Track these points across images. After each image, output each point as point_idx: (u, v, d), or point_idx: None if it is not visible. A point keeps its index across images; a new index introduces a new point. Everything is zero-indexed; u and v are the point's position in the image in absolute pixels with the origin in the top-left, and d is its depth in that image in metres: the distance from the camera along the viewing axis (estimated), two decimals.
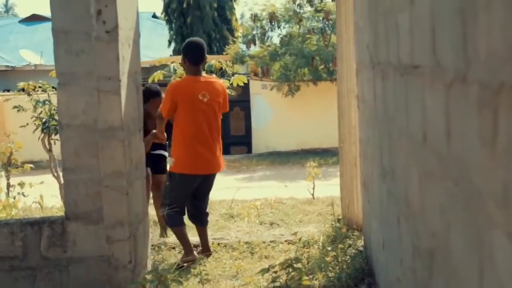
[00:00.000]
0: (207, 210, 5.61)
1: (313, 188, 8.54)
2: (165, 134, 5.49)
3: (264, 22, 17.83)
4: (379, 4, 3.16)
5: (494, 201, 1.25)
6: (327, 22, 16.92)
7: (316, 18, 17.22)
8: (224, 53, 18.36)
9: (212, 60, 7.88)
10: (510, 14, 1.11)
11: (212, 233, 5.97)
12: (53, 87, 7.76)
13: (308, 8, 17.55)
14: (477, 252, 1.41)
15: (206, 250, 5.44)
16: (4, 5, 57.41)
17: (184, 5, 22.92)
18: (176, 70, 7.23)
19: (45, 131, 8.08)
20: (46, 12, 6.00)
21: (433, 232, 1.93)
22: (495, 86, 1.21)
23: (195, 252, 5.30)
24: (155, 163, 6.12)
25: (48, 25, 3.96)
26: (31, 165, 8.82)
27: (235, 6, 24.19)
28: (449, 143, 1.65)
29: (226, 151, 13.01)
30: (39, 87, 8.14)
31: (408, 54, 2.30)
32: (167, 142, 5.86)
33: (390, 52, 2.80)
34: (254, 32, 18.01)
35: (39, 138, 8.24)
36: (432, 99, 1.84)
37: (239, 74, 7.48)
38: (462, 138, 1.51)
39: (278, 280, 3.73)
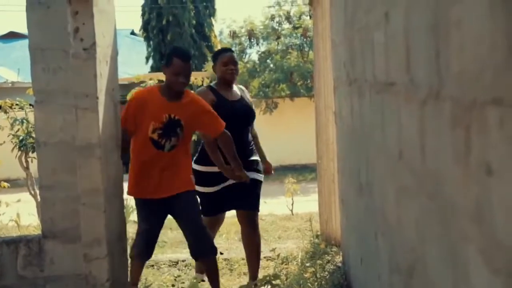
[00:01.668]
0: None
1: (292, 204, 8.55)
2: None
3: (243, 39, 17.92)
4: (355, 21, 3.20)
5: (468, 216, 1.26)
6: (305, 39, 17.06)
7: (295, 35, 17.34)
8: (203, 69, 18.40)
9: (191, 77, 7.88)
10: (481, 31, 1.13)
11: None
12: (30, 105, 7.71)
13: (286, 25, 17.68)
14: (452, 267, 1.42)
15: None
16: None
17: (164, 22, 22.92)
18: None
19: (22, 149, 8.01)
20: (23, 29, 5.98)
21: (410, 248, 1.94)
22: (467, 103, 1.23)
23: None
24: None
25: (25, 43, 3.95)
26: (7, 184, 8.71)
27: (213, 23, 24.25)
28: (424, 160, 1.67)
29: None
30: (16, 104, 8.08)
31: (383, 71, 2.32)
32: None
33: (366, 69, 2.83)
34: (233, 49, 18.07)
35: (16, 156, 8.17)
36: (407, 116, 1.86)
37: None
38: (436, 155, 1.53)
39: None
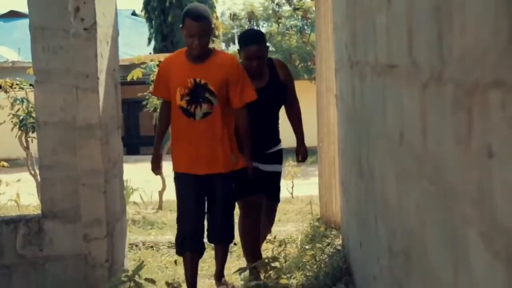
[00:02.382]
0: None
1: (292, 187, 8.56)
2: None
3: (243, 21, 17.85)
4: (357, 3, 3.18)
5: (468, 200, 1.26)
6: (305, 21, 16.98)
7: (295, 16, 17.26)
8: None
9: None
10: (484, 14, 1.12)
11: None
12: (30, 85, 7.70)
13: (286, 7, 17.60)
14: (452, 251, 1.42)
15: (217, 277, 4.37)
16: None
17: (166, 4, 22.83)
18: (153, 69, 7.20)
19: (22, 128, 8.01)
20: (24, 8, 5.96)
21: (410, 231, 1.94)
22: (469, 86, 1.22)
23: None
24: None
25: (26, 22, 3.93)
26: (7, 164, 8.72)
27: (215, 4, 24.15)
28: (425, 143, 1.66)
29: None
30: (17, 84, 8.07)
31: (385, 53, 2.31)
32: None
33: (367, 52, 2.81)
34: (234, 31, 18.03)
35: (16, 136, 8.17)
36: (409, 99, 1.85)
37: None
38: (437, 138, 1.52)
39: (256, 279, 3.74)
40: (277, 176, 4.45)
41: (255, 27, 17.89)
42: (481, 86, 1.15)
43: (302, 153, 4.50)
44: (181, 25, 3.74)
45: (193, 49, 3.69)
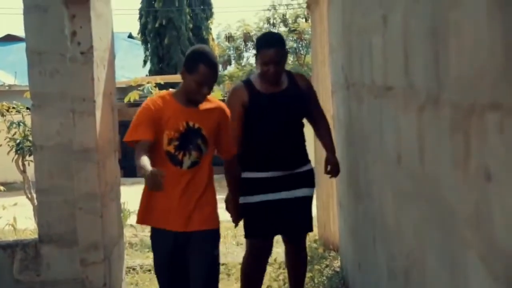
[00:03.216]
0: None
1: None
2: None
3: (239, 42, 17.95)
4: (353, 25, 3.20)
5: (467, 222, 1.26)
6: (300, 42, 17.08)
7: (290, 38, 17.36)
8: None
9: None
10: (479, 36, 1.13)
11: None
12: (27, 108, 7.70)
13: (282, 28, 17.71)
14: (451, 273, 1.41)
15: None
16: None
17: (160, 25, 22.95)
18: (151, 90, 7.22)
19: (19, 152, 7.99)
20: (21, 32, 6.00)
21: (408, 253, 1.93)
22: (466, 108, 1.22)
23: None
24: None
25: (22, 46, 3.94)
26: (2, 187, 8.69)
27: (211, 26, 24.29)
28: (423, 165, 1.66)
29: None
30: (13, 107, 8.07)
31: (381, 75, 2.32)
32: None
33: (364, 73, 2.82)
34: (230, 53, 18.12)
35: (13, 159, 8.15)
36: (406, 121, 1.86)
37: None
38: (435, 160, 1.52)
39: None
40: (304, 202, 3.78)
41: (251, 48, 17.98)
42: (478, 108, 1.15)
43: (332, 164, 3.85)
44: (186, 68, 3.27)
45: (199, 97, 3.28)
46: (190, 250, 3.28)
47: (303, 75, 4.01)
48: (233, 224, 3.89)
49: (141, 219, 3.37)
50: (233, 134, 3.52)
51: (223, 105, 3.50)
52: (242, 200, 3.69)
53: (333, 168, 3.85)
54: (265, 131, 3.63)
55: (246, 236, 3.79)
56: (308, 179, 3.80)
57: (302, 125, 3.80)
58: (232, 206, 3.71)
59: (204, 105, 3.33)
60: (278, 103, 3.64)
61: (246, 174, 3.69)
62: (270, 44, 3.64)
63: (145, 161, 3.05)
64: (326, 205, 5.89)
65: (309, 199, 3.84)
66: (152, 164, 3.09)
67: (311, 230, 3.95)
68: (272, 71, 3.61)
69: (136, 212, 3.41)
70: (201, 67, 3.22)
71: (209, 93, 3.33)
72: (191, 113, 3.30)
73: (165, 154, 3.25)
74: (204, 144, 3.30)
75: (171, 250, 3.31)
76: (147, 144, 3.20)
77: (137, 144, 3.21)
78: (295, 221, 3.74)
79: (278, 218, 3.68)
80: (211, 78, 3.27)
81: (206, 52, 3.37)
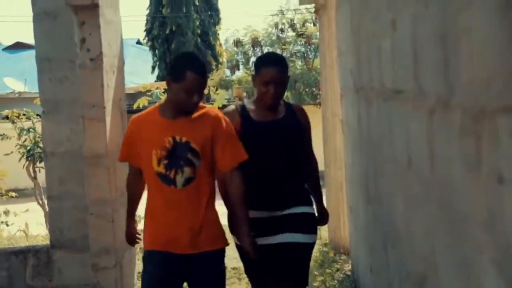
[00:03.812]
0: None
1: None
2: None
3: (247, 47, 17.97)
4: (362, 29, 3.20)
5: (479, 226, 1.25)
6: (309, 47, 17.07)
7: (299, 42, 17.36)
8: (208, 79, 18.45)
9: None
10: (490, 40, 1.13)
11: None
12: (37, 115, 7.74)
13: (290, 32, 17.72)
14: (464, 276, 1.41)
15: None
16: None
17: (167, 31, 23.03)
18: (159, 96, 7.24)
19: (29, 159, 8.04)
20: (30, 40, 6.03)
21: (420, 257, 1.93)
22: (477, 112, 1.22)
23: None
24: None
25: (32, 53, 3.97)
26: (14, 194, 8.74)
27: (218, 31, 24.33)
28: (433, 168, 1.66)
29: None
30: (23, 114, 8.12)
31: (390, 79, 2.32)
32: None
33: (373, 77, 2.82)
34: (238, 57, 18.14)
35: (24, 166, 8.19)
36: (416, 124, 1.85)
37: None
38: (446, 163, 1.52)
39: None
40: (305, 251, 3.26)
41: (259, 53, 17.97)
42: (489, 112, 1.15)
43: (323, 216, 3.47)
44: (171, 76, 3.00)
45: (189, 107, 3.01)
46: (197, 269, 3.03)
47: (303, 109, 3.50)
48: None
49: (148, 244, 3.11)
50: None
51: (217, 112, 3.15)
52: (235, 239, 3.27)
53: (324, 220, 3.50)
54: (257, 164, 3.14)
55: (251, 281, 3.39)
56: (308, 224, 3.25)
57: (299, 160, 3.32)
58: (243, 237, 3.09)
59: (194, 115, 3.04)
60: (273, 133, 3.22)
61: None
62: (272, 63, 3.25)
63: (128, 220, 3.31)
64: (336, 210, 5.88)
65: (309, 246, 3.25)
66: (148, 186, 3.08)
67: (305, 284, 3.27)
68: (272, 92, 3.18)
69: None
70: (189, 74, 2.94)
71: (199, 101, 3.01)
72: (177, 127, 3.02)
73: (157, 176, 3.00)
74: (195, 157, 3.01)
75: (171, 273, 3.04)
76: (131, 167, 3.17)
77: (129, 164, 3.20)
78: (285, 272, 3.20)
79: (270, 264, 3.21)
80: (201, 84, 3.00)
81: (192, 57, 3.12)
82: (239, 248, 3.25)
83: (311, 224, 3.28)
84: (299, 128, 3.30)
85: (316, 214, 3.40)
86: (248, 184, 3.06)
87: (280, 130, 3.23)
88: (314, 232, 3.28)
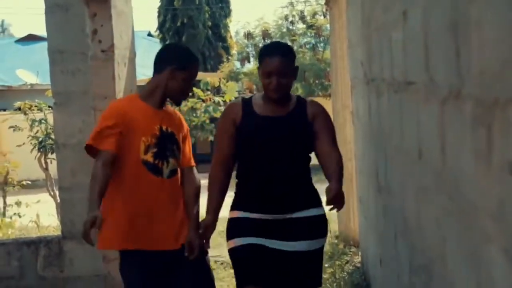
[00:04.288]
0: None
1: None
2: None
3: (257, 39, 17.95)
4: (372, 20, 3.19)
5: (490, 216, 1.26)
6: (319, 38, 17.03)
7: (309, 34, 17.33)
8: (218, 71, 18.48)
9: (207, 77, 7.93)
10: (501, 29, 1.13)
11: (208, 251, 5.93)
12: (49, 106, 7.78)
13: (300, 24, 17.68)
14: (474, 267, 1.41)
15: None
16: (0, 25, 57.62)
17: (178, 24, 23.03)
18: None
19: (41, 150, 8.09)
20: (42, 32, 6.10)
21: (430, 248, 1.93)
22: (489, 102, 1.22)
23: None
24: None
25: (44, 45, 3.99)
26: (27, 182, 8.80)
27: (229, 24, 24.31)
28: (444, 159, 1.66)
29: None
30: (35, 106, 8.16)
31: (401, 70, 2.31)
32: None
33: (383, 68, 2.82)
34: (248, 50, 18.13)
35: (35, 157, 8.25)
36: (427, 115, 1.85)
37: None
38: (457, 154, 1.52)
39: None
40: (311, 257, 2.98)
41: None
42: (501, 102, 1.15)
43: (334, 195, 2.68)
44: (178, 65, 2.97)
45: (184, 96, 3.07)
46: (181, 263, 2.91)
47: (318, 104, 3.17)
48: None
49: (121, 243, 2.88)
50: (217, 155, 3.01)
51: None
52: (230, 244, 2.99)
53: (337, 199, 2.73)
54: (257, 162, 2.94)
55: (237, 286, 2.99)
56: (316, 228, 2.99)
57: (308, 160, 3.07)
58: (192, 234, 2.96)
59: (168, 108, 3.07)
60: (276, 129, 2.95)
61: (234, 214, 3.00)
62: (275, 52, 2.95)
63: (95, 197, 2.78)
64: (346, 201, 5.85)
65: (316, 253, 3.00)
66: (125, 177, 2.87)
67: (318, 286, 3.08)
68: (275, 83, 2.89)
69: None
70: (195, 65, 3.06)
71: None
72: (163, 116, 2.97)
73: (142, 164, 2.86)
74: (178, 150, 3.00)
75: (156, 273, 2.89)
76: (109, 156, 2.82)
77: (99, 153, 2.85)
78: (294, 280, 2.95)
79: (272, 270, 2.91)
80: (195, 75, 3.09)
81: (186, 48, 3.27)
82: (230, 252, 2.99)
83: (319, 227, 3.01)
84: (306, 125, 2.97)
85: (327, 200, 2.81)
86: (249, 181, 2.96)
87: (283, 126, 2.95)
88: (323, 235, 3.03)
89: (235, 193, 3.03)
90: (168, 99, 3.05)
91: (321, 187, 2.90)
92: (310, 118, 3.00)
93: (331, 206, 2.72)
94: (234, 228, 2.98)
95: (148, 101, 2.96)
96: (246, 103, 3.05)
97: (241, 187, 3.01)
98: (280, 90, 2.93)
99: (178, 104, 3.14)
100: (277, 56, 2.92)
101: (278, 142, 2.94)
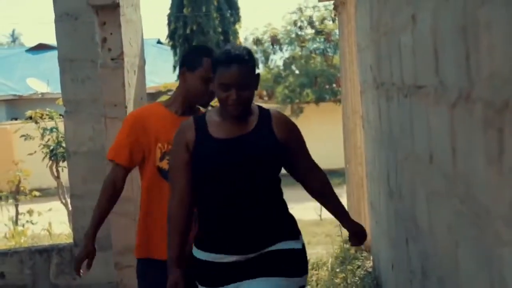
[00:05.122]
0: None
1: (321, 209, 8.52)
2: None
3: (266, 45, 18.00)
4: (381, 24, 3.19)
5: (502, 219, 1.25)
6: (328, 43, 17.06)
7: (318, 39, 17.36)
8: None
9: None
10: (511, 32, 1.12)
11: None
12: (60, 115, 7.83)
13: (309, 30, 17.71)
14: (487, 271, 1.40)
15: None
16: (11, 35, 58.09)
17: (188, 31, 23.13)
18: None
19: (52, 158, 8.13)
20: (53, 41, 6.17)
21: (442, 252, 1.93)
22: (499, 105, 1.22)
23: None
24: None
25: (54, 54, 4.02)
26: (38, 193, 8.86)
27: (238, 30, 24.37)
28: (455, 162, 1.65)
29: None
30: (47, 115, 8.21)
31: (411, 74, 2.31)
32: None
33: (393, 73, 2.81)
34: (257, 56, 18.18)
35: (47, 166, 8.29)
36: (437, 119, 1.85)
37: None
38: (468, 157, 1.51)
39: None
40: None
41: (279, 51, 17.95)
42: (511, 104, 1.14)
43: (357, 233, 2.72)
44: (187, 66, 2.85)
45: (205, 98, 2.86)
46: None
47: (284, 115, 2.73)
48: None
49: (143, 251, 2.88)
50: (172, 189, 2.58)
51: None
52: None
53: (360, 239, 2.74)
54: (219, 195, 2.48)
55: None
56: (294, 265, 2.52)
57: (279, 182, 2.60)
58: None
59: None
60: (238, 153, 2.47)
61: (199, 253, 2.55)
62: (232, 59, 2.44)
63: (93, 232, 2.85)
64: (357, 206, 5.87)
65: None
66: (145, 183, 2.87)
67: None
68: (234, 97, 2.41)
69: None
70: (205, 60, 2.77)
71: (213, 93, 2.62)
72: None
73: (157, 171, 2.81)
74: None
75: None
76: (121, 172, 2.83)
77: (113, 165, 2.85)
78: None
79: None
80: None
81: (207, 47, 3.05)
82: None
83: (297, 263, 2.53)
84: (274, 142, 2.52)
85: (348, 234, 2.74)
86: (211, 219, 2.51)
87: (246, 148, 2.48)
88: (302, 273, 2.54)
89: (198, 227, 2.58)
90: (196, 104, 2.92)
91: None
92: (277, 133, 2.55)
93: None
94: (201, 275, 2.55)
95: (171, 108, 2.90)
96: (200, 123, 2.57)
97: (204, 224, 2.54)
98: (241, 105, 2.45)
99: (205, 106, 2.92)
100: (235, 64, 2.43)
101: (242, 168, 2.45)
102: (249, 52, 2.55)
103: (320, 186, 2.71)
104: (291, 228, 2.58)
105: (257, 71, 2.58)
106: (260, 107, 2.63)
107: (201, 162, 2.49)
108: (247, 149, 2.47)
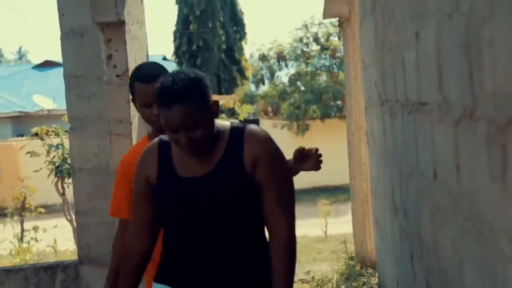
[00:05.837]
0: None
1: (326, 226, 8.51)
2: None
3: (272, 61, 18.07)
4: (385, 41, 3.20)
5: (506, 236, 1.24)
6: (334, 60, 17.12)
7: (323, 56, 17.43)
8: (233, 93, 18.62)
9: (221, 100, 8.00)
10: None
11: None
12: (66, 131, 7.85)
13: (314, 46, 17.78)
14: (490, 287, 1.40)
15: None
16: (17, 52, 58.52)
17: (194, 47, 23.24)
18: None
19: (58, 175, 8.15)
20: (59, 58, 6.21)
21: (446, 269, 1.92)
22: (502, 122, 1.22)
23: None
24: None
25: (60, 71, 4.04)
26: (43, 210, 8.87)
27: (244, 46, 24.47)
28: (459, 179, 1.65)
29: None
30: (52, 131, 8.24)
31: (415, 91, 2.31)
32: None
33: (397, 89, 2.82)
34: (263, 72, 18.26)
35: (52, 182, 8.30)
36: (441, 136, 1.85)
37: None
38: (472, 174, 1.51)
39: None
40: None
41: (284, 68, 18.01)
42: None
43: None
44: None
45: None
46: None
47: (261, 136, 2.19)
48: None
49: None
50: (131, 222, 2.35)
51: None
52: None
53: None
54: (174, 231, 2.25)
55: None
56: None
57: (258, 222, 2.21)
58: None
59: None
60: (198, 195, 2.14)
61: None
62: (171, 101, 2.03)
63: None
64: (362, 222, 5.85)
65: None
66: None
67: None
68: (184, 141, 2.07)
69: None
70: (136, 85, 2.55)
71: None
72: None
73: None
74: None
75: None
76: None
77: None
78: None
79: None
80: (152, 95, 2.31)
81: (139, 67, 2.68)
82: None
83: None
84: (243, 178, 2.14)
85: None
86: (167, 252, 2.29)
87: (209, 188, 2.14)
88: None
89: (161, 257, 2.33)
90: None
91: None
92: (248, 164, 2.14)
93: None
94: None
95: (151, 139, 2.55)
96: (164, 152, 2.25)
97: (164, 256, 2.31)
98: (194, 146, 2.10)
99: (163, 131, 2.27)
100: (176, 106, 2.01)
101: (204, 211, 2.13)
102: (194, 84, 2.07)
103: (273, 246, 2.17)
104: (254, 279, 2.20)
105: (211, 98, 2.13)
106: (233, 129, 2.22)
107: (161, 201, 2.21)
108: (210, 189, 2.13)
